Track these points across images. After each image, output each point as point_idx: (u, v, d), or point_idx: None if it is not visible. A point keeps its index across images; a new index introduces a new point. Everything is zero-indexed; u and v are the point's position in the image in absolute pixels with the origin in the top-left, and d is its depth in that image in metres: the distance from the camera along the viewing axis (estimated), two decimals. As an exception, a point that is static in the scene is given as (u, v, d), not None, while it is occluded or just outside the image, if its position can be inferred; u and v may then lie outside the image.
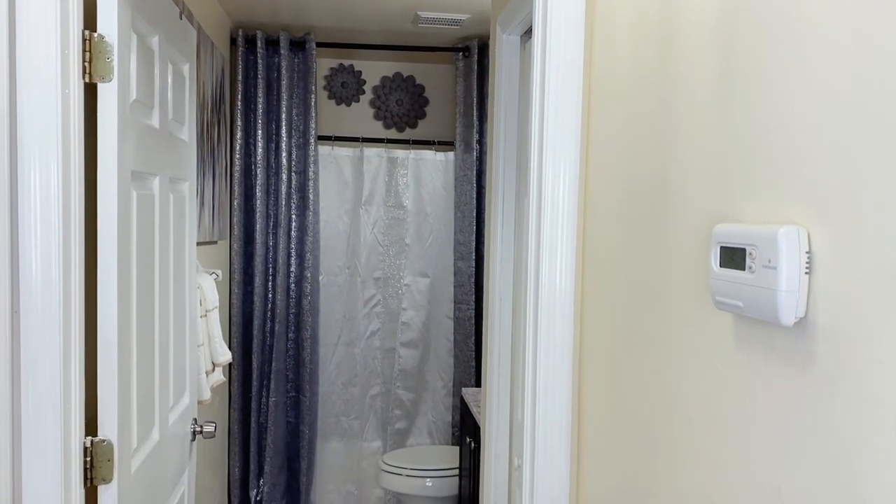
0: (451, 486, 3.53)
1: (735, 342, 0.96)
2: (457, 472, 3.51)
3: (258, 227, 3.83)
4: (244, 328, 3.87)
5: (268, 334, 3.89)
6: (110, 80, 1.43)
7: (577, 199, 1.56)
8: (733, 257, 0.90)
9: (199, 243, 2.91)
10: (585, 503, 1.56)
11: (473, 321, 4.06)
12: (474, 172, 3.99)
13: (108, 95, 1.44)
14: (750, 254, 0.86)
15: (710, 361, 1.03)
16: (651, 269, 1.24)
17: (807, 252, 0.81)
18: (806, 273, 0.81)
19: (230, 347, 3.74)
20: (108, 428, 1.45)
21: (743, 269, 0.88)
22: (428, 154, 4.11)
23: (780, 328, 0.85)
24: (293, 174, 3.87)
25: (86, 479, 1.41)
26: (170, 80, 1.86)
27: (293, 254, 3.89)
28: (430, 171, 4.10)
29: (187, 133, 2.08)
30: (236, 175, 3.77)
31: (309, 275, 3.87)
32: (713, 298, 0.96)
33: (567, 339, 1.58)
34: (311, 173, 3.86)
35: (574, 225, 1.57)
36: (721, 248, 0.93)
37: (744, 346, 0.94)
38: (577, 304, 1.59)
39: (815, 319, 0.80)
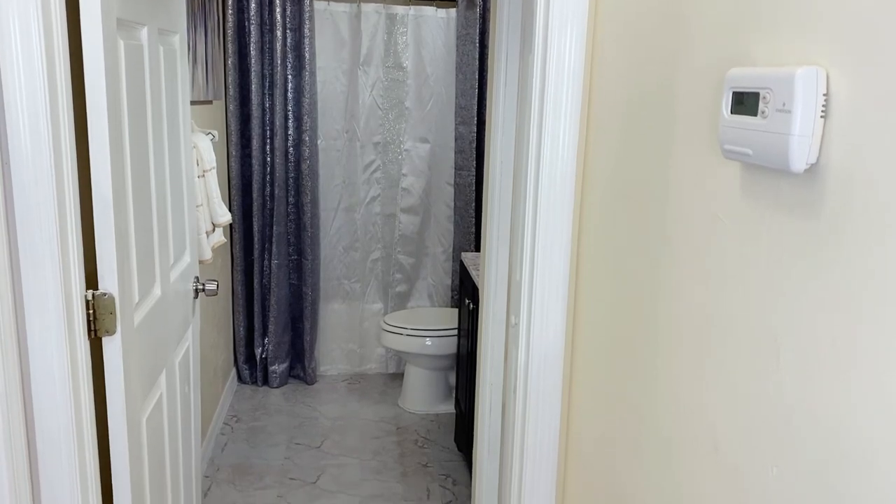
0: (449, 345, 3.63)
1: (741, 192, 0.94)
2: (455, 332, 3.60)
3: (254, 87, 3.73)
4: (243, 191, 3.85)
5: (267, 198, 3.87)
6: (86, -84, 1.33)
7: (584, 52, 1.50)
8: (745, 102, 0.86)
9: (193, 102, 2.83)
10: (579, 357, 1.59)
11: (474, 188, 4.03)
12: (477, 31, 3.84)
13: (84, -68, 1.34)
14: (764, 98, 0.82)
15: (714, 212, 1.01)
16: (658, 121, 1.20)
17: (824, 94, 0.77)
18: (822, 117, 0.77)
19: (230, 210, 3.74)
20: (108, 281, 1.46)
21: (755, 114, 0.84)
22: (428, 10, 3.93)
23: (790, 175, 0.83)
24: (288, 31, 3.72)
25: (89, 330, 1.44)
26: (152, -81, 1.74)
27: (290, 116, 3.80)
28: (430, 30, 3.94)
29: (174, -19, 1.96)
30: (229, 32, 3.63)
31: (307, 138, 3.81)
32: (721, 147, 0.92)
33: (567, 197, 1.56)
34: (306, 31, 3.71)
35: (580, 82, 1.51)
36: (733, 93, 0.89)
37: (749, 196, 0.92)
38: (580, 163, 1.56)
39: (827, 165, 0.77)
